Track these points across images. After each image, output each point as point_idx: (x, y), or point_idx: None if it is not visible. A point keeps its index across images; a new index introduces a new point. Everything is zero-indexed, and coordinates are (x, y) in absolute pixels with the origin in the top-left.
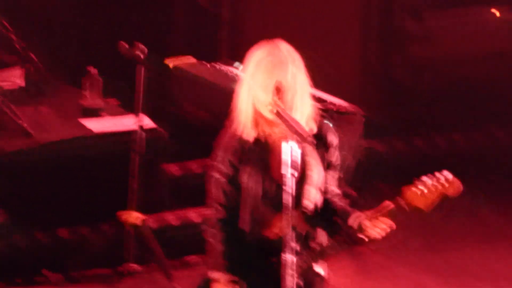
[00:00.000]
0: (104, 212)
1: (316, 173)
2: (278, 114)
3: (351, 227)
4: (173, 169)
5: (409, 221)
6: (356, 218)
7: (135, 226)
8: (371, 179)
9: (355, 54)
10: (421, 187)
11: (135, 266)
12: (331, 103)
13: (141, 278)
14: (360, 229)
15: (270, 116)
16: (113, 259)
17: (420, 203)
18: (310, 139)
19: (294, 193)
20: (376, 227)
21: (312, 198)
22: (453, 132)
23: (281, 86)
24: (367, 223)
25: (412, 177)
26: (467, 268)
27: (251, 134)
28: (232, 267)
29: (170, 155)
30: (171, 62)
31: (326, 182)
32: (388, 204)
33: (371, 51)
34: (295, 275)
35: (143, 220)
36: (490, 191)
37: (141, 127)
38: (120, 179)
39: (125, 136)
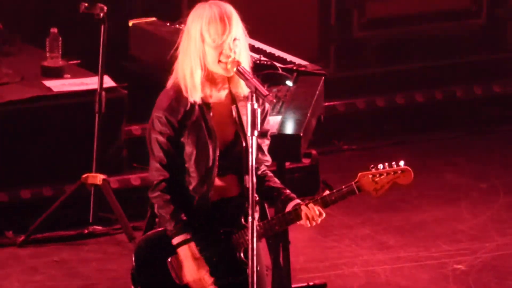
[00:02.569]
0: (66, 173)
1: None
2: (238, 72)
3: (289, 213)
4: (134, 129)
5: None
6: (294, 206)
7: (95, 186)
8: (332, 138)
9: (313, 13)
10: (374, 172)
11: (98, 227)
12: (291, 62)
13: (104, 239)
14: (297, 216)
15: (223, 73)
16: (76, 220)
17: (370, 188)
18: (270, 98)
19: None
20: (311, 216)
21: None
22: (413, 89)
23: (235, 40)
24: (303, 213)
25: (372, 136)
26: (426, 226)
27: (197, 97)
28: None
29: (130, 115)
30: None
31: (260, 151)
32: (326, 193)
33: (329, 10)
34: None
35: (104, 180)
36: (449, 148)
37: (102, 87)
38: (81, 140)
39: (86, 96)
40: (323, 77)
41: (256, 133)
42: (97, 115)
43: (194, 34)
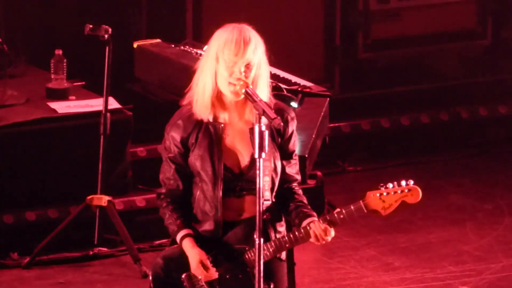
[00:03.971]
0: (71, 194)
1: (269, 161)
2: (247, 93)
3: (299, 231)
4: (139, 150)
5: None
6: (307, 224)
7: (100, 208)
8: (337, 159)
9: (318, 34)
10: (382, 191)
11: (103, 249)
12: (296, 83)
13: (110, 261)
14: (307, 234)
15: (231, 96)
16: (82, 242)
17: (378, 206)
18: (278, 121)
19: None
20: (318, 234)
21: (269, 187)
22: (418, 111)
23: (249, 65)
24: (312, 231)
25: (377, 157)
26: (432, 247)
27: (206, 114)
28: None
29: (135, 136)
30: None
31: (286, 170)
32: (337, 211)
33: (335, 31)
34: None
35: (109, 201)
36: (454, 169)
37: (106, 108)
38: (86, 161)
39: (91, 118)
40: (328, 98)
41: (263, 155)
42: (102, 136)
43: (211, 52)
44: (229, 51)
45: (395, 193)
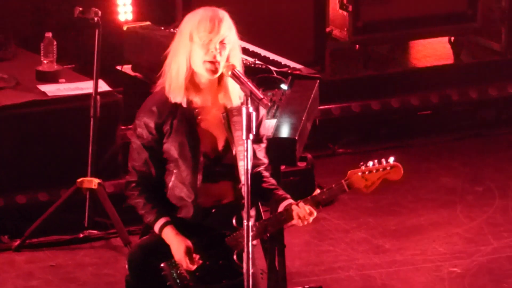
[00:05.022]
0: (62, 177)
1: (243, 145)
2: (233, 75)
3: (281, 214)
4: (129, 133)
5: None
6: (286, 206)
7: (90, 191)
8: (327, 142)
9: (309, 16)
10: (364, 169)
11: (94, 232)
12: (286, 65)
13: (100, 244)
14: (289, 217)
15: (207, 74)
16: (72, 225)
17: (361, 185)
18: (265, 101)
19: (242, 162)
20: (302, 216)
21: (242, 170)
22: (408, 93)
23: (223, 41)
24: (295, 212)
25: (368, 139)
26: (422, 230)
27: (180, 97)
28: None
29: (125, 119)
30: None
31: (257, 154)
32: (317, 191)
33: (324, 14)
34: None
35: (99, 184)
36: (444, 152)
37: (96, 91)
38: (76, 144)
39: (81, 100)
40: (318, 81)
41: (251, 136)
42: (92, 119)
43: (185, 33)
44: (204, 28)
45: (377, 171)
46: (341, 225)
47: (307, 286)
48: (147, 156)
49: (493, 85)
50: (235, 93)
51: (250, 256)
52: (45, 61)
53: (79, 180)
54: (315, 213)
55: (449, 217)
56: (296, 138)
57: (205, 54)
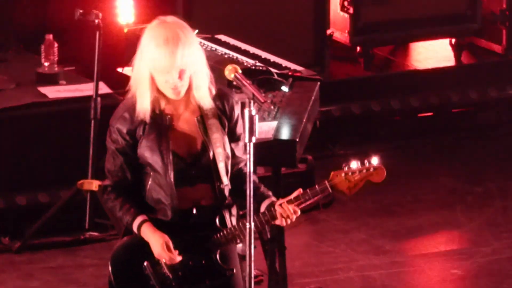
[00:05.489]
0: (62, 179)
1: (221, 147)
2: (236, 78)
3: (263, 214)
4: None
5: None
6: (268, 206)
7: (91, 192)
8: (327, 143)
9: (309, 18)
10: (347, 171)
11: (94, 233)
12: (286, 67)
13: (100, 245)
14: (273, 217)
15: (172, 96)
16: (72, 227)
17: (343, 186)
18: (268, 105)
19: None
20: (286, 216)
21: (224, 172)
22: (408, 94)
23: (182, 71)
24: (278, 213)
25: (368, 140)
26: (422, 230)
27: (145, 114)
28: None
29: None
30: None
31: (236, 153)
32: (300, 192)
33: (325, 15)
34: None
35: (99, 186)
36: (444, 152)
37: (97, 93)
38: (77, 146)
39: (81, 102)
40: (318, 82)
41: (254, 139)
42: (92, 121)
43: (145, 55)
44: (159, 65)
45: (360, 172)
46: (341, 226)
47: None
48: (122, 160)
49: (493, 87)
50: (205, 94)
51: (230, 256)
52: (45, 63)
53: (79, 182)
54: (299, 212)
55: (449, 218)
56: (297, 140)
57: (165, 83)
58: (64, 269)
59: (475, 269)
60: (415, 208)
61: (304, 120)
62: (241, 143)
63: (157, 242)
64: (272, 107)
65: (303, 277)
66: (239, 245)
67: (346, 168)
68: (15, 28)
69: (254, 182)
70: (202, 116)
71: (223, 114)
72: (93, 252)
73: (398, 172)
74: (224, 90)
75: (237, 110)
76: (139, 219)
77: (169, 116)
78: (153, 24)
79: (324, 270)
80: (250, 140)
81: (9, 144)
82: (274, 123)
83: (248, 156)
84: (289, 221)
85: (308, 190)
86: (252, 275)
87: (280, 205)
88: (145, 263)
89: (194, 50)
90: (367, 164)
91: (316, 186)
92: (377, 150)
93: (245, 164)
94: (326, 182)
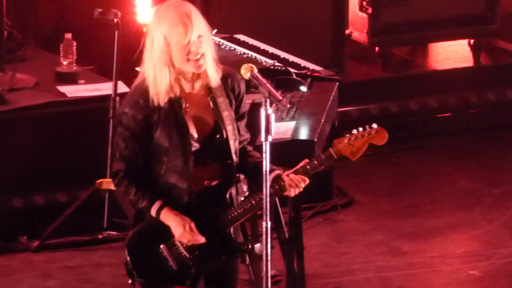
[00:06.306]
0: (80, 178)
1: (231, 124)
2: (252, 77)
3: (272, 186)
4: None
5: (378, 184)
6: (276, 178)
7: (109, 192)
8: None
9: (328, 18)
10: (349, 136)
11: (112, 233)
12: (305, 67)
13: (118, 245)
14: (281, 188)
15: (194, 70)
16: (90, 226)
17: (347, 152)
18: (284, 102)
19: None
20: (295, 185)
21: (234, 149)
22: (426, 95)
23: (200, 35)
24: (287, 183)
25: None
26: (440, 232)
27: (160, 100)
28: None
29: None
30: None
31: (240, 132)
32: (306, 161)
33: (343, 15)
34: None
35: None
36: (462, 154)
37: (116, 92)
38: (95, 145)
39: (100, 101)
40: (337, 83)
41: (270, 138)
42: (111, 120)
43: (158, 39)
44: (178, 32)
45: (362, 136)
46: (359, 227)
47: None
48: (135, 147)
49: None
50: (213, 71)
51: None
52: (64, 62)
53: (98, 181)
54: (307, 180)
55: (467, 219)
56: (315, 140)
57: (188, 55)
58: (81, 269)
59: (493, 270)
60: (433, 209)
61: (323, 120)
62: (244, 121)
63: (179, 224)
64: (288, 105)
65: (320, 278)
66: (257, 245)
67: (348, 134)
68: (34, 28)
69: (258, 157)
70: (213, 95)
71: (231, 91)
72: (110, 251)
73: (416, 173)
74: (229, 69)
75: (242, 87)
76: (158, 204)
77: (182, 99)
78: (157, 8)
79: (341, 271)
80: (266, 139)
81: (28, 143)
82: (292, 123)
83: (264, 155)
84: (297, 191)
85: (313, 159)
86: (269, 275)
87: (288, 175)
88: (162, 246)
89: (204, 23)
90: (368, 129)
91: (321, 154)
92: (395, 151)
93: (248, 143)
94: (330, 149)
